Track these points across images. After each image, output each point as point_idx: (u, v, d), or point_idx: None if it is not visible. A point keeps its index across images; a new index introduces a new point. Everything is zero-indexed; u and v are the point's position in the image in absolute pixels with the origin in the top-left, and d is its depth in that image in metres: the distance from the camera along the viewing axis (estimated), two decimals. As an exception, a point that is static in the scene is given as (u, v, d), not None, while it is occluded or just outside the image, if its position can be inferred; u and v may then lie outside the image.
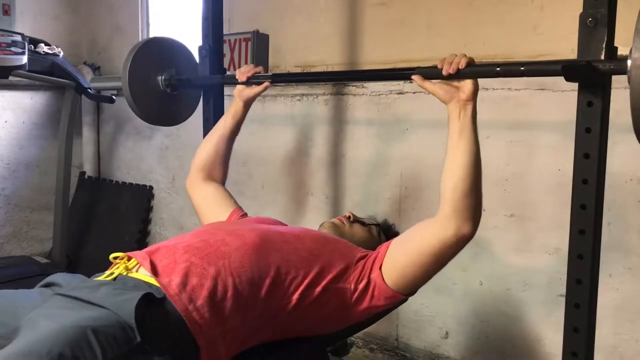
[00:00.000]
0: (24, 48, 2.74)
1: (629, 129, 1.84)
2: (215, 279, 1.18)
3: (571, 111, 1.30)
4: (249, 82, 1.75)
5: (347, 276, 1.33)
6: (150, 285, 1.16)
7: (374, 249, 1.46)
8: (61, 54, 3.08)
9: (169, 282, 1.15)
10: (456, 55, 1.31)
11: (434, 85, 1.34)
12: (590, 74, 1.20)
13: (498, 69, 1.31)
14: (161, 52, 2.02)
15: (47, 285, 1.25)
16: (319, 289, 1.29)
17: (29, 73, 2.94)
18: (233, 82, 1.82)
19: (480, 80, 2.10)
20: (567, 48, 1.74)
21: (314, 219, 2.56)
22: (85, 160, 3.89)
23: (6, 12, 3.00)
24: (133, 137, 3.62)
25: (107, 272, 1.22)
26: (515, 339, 2.16)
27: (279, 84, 2.73)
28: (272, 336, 1.30)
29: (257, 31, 2.75)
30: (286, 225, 1.56)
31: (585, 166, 1.26)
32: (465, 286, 2.27)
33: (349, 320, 1.40)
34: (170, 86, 1.99)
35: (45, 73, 3.05)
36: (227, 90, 2.12)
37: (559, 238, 1.88)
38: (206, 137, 1.83)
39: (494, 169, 2.14)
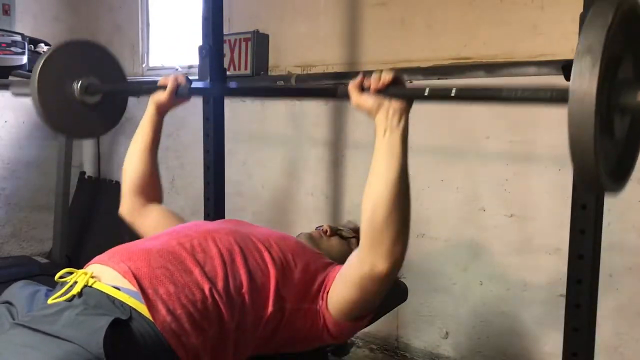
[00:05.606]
0: (24, 48, 2.75)
1: (629, 129, 1.83)
2: (192, 286, 1.13)
3: (571, 111, 1.30)
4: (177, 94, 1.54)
5: (318, 295, 1.27)
6: (113, 300, 1.08)
7: None
8: (61, 54, 3.08)
9: (146, 289, 1.09)
10: (382, 72, 1.14)
11: (363, 96, 1.17)
12: (590, 74, 1.20)
13: (426, 93, 1.09)
14: (80, 57, 1.77)
15: (5, 302, 1.15)
16: (290, 304, 1.23)
17: (29, 73, 2.94)
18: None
19: (480, 79, 2.06)
20: (567, 48, 1.74)
21: (314, 219, 2.57)
22: (85, 160, 3.89)
23: (6, 12, 3.00)
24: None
25: (68, 285, 1.11)
26: (515, 339, 2.16)
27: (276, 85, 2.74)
28: (255, 350, 1.25)
29: (257, 31, 2.75)
30: (255, 227, 1.44)
31: (585, 166, 1.26)
32: (465, 286, 2.27)
33: (329, 339, 1.35)
34: (88, 94, 1.73)
35: (45, 73, 3.05)
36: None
37: (559, 238, 1.87)
38: (126, 158, 1.63)
39: (494, 169, 2.14)
